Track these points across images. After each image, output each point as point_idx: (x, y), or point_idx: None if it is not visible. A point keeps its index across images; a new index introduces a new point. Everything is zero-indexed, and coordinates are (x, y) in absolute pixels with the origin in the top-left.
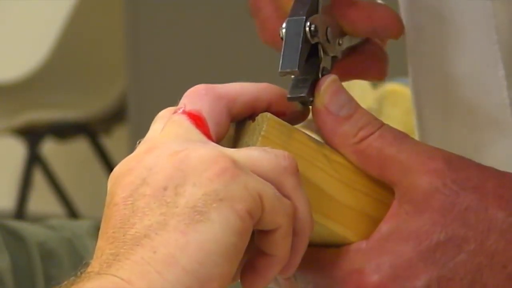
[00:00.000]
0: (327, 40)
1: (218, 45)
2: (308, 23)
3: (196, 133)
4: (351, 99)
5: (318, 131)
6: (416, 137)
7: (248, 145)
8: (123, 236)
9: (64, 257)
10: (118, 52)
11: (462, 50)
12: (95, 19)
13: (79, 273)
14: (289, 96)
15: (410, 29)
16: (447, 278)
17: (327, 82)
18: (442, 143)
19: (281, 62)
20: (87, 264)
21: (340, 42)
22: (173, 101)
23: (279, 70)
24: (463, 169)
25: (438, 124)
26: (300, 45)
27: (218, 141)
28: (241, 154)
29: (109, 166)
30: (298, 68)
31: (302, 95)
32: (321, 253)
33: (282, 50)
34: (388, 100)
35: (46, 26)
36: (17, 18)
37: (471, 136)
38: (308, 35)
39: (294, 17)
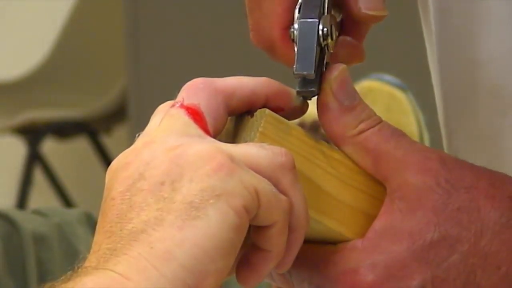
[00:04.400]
0: (332, 38)
1: (218, 43)
2: (321, 27)
3: (194, 128)
4: (355, 91)
5: (319, 118)
6: (440, 122)
7: (246, 141)
8: (120, 231)
9: (55, 241)
10: (118, 51)
11: (489, 31)
12: (95, 18)
13: (76, 267)
14: (298, 90)
15: (439, 13)
16: (440, 279)
17: (338, 70)
18: (466, 127)
19: (296, 64)
20: (84, 259)
21: (337, 35)
22: (173, 99)
23: (295, 72)
24: (457, 169)
25: (463, 108)
26: (315, 49)
27: (216, 135)
28: (238, 150)
29: (109, 164)
30: (314, 71)
31: (312, 89)
32: (317, 250)
33: (296, 52)
34: (367, 97)
35: (47, 25)
36: (17, 17)
37: (495, 120)
38: (321, 39)
39: (307, 19)
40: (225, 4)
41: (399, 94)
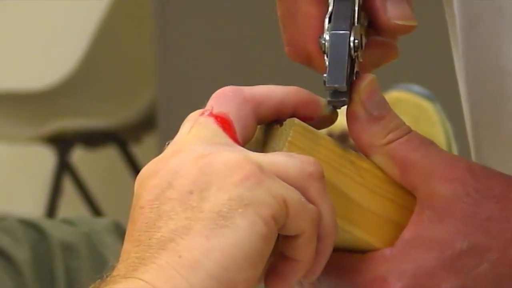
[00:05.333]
0: (361, 48)
1: (247, 52)
2: (352, 38)
3: (223, 136)
4: (385, 101)
5: (348, 127)
6: (468, 132)
7: (274, 150)
8: (149, 239)
9: (83, 250)
10: (148, 60)
11: None
12: (125, 27)
13: (104, 276)
14: (330, 99)
15: (465, 23)
16: None
17: (367, 80)
18: (494, 138)
19: (327, 77)
20: (112, 267)
21: (366, 41)
22: (202, 108)
23: (327, 85)
24: (485, 178)
25: (490, 118)
26: (347, 61)
27: (245, 144)
28: (267, 159)
29: (138, 174)
30: (346, 84)
31: (344, 99)
32: (346, 259)
33: (328, 65)
34: (395, 108)
35: (77, 34)
36: (47, 27)
37: None
38: (352, 51)
39: (338, 31)
40: (255, 15)
41: (427, 105)
